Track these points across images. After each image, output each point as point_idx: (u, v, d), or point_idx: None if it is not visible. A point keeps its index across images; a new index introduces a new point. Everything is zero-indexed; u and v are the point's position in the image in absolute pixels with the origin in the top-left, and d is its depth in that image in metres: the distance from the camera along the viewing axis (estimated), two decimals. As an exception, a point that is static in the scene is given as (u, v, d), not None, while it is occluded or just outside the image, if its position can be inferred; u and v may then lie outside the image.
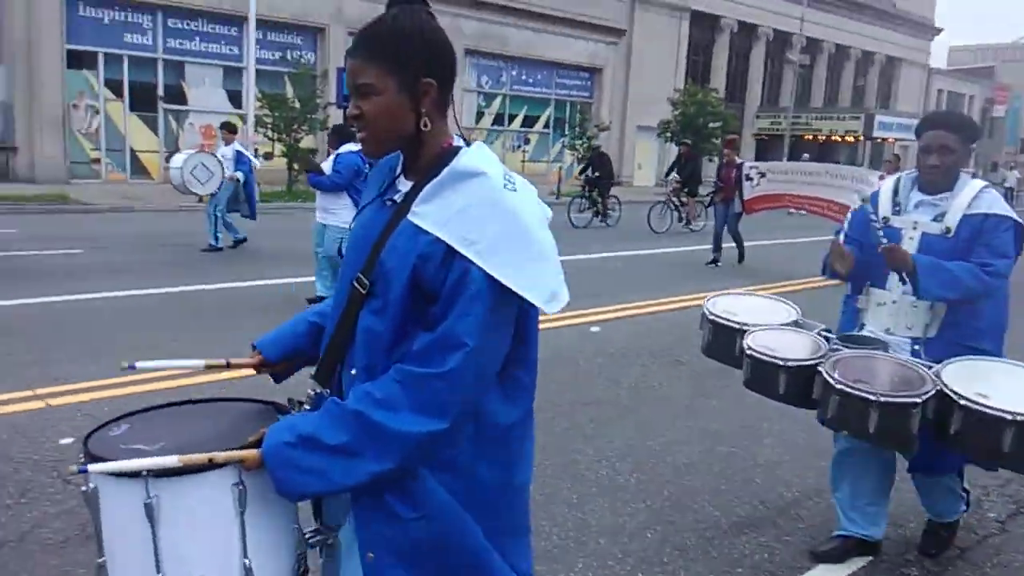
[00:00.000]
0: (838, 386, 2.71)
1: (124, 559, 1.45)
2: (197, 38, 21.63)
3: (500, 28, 27.40)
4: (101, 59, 20.34)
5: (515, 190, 1.50)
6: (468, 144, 1.57)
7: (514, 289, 1.42)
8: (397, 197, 1.56)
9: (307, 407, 1.61)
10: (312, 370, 1.65)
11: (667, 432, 4.77)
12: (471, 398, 1.46)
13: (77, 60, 19.95)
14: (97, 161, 20.66)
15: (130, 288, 8.13)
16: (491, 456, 1.54)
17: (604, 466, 4.23)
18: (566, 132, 28.31)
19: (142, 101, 21.14)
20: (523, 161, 29.79)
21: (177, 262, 9.96)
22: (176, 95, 21.64)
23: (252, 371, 1.82)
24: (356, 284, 1.52)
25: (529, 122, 30.17)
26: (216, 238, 10.89)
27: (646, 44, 32.15)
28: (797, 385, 2.93)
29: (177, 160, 11.07)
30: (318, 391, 1.61)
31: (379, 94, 1.48)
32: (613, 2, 30.89)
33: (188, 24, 21.44)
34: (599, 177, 17.55)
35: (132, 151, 21.26)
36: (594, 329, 7.23)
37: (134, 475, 1.38)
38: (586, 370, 5.98)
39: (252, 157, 11.79)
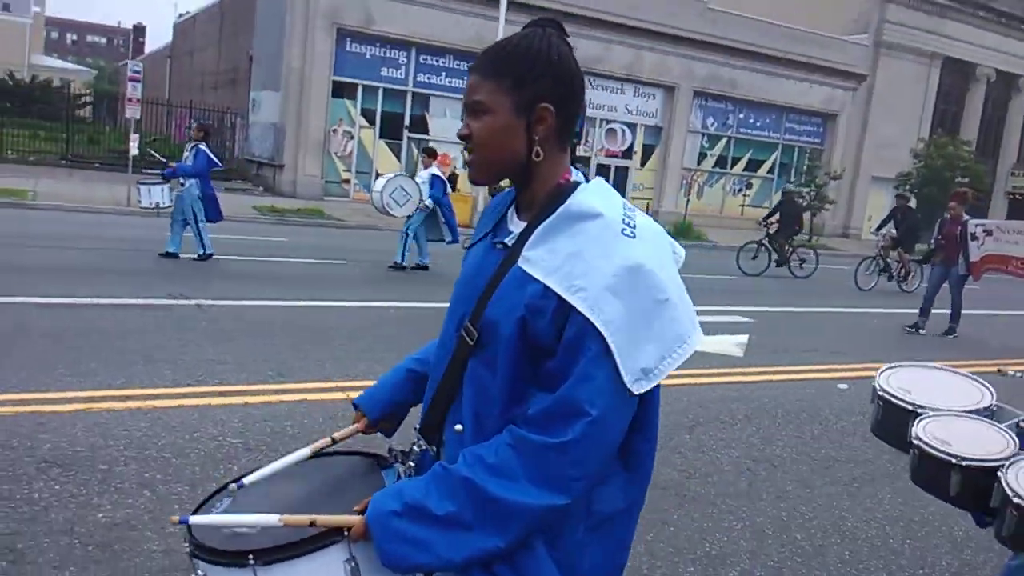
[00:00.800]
0: (1016, 500, 2.09)
1: None
2: (443, 73, 23.27)
3: (730, 71, 27.04)
4: (360, 90, 22.47)
5: (634, 236, 1.33)
6: (587, 180, 1.43)
7: (612, 350, 1.27)
8: (508, 240, 1.43)
9: (411, 464, 1.52)
10: (416, 415, 1.56)
11: (937, 502, 4.45)
12: (593, 471, 1.31)
13: (340, 90, 22.19)
14: (347, 181, 22.76)
15: (369, 300, 8.87)
16: (604, 537, 1.40)
17: (873, 527, 4.03)
18: (792, 178, 27.25)
19: (390, 129, 23.07)
20: (742, 205, 29.04)
21: (394, 278, 10.70)
22: (419, 124, 23.38)
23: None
24: (464, 333, 1.40)
25: (753, 166, 29.41)
26: (403, 256, 11.45)
27: (889, 90, 30.31)
28: (973, 488, 2.32)
29: (379, 184, 11.63)
30: (423, 447, 1.50)
31: (490, 113, 1.37)
32: (855, 47, 29.48)
33: (436, 60, 23.15)
34: (782, 223, 16.51)
35: (377, 174, 23.20)
36: (842, 386, 6.89)
37: (241, 564, 1.32)
38: (839, 427, 5.71)
39: (447, 184, 12.02)
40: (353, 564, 1.35)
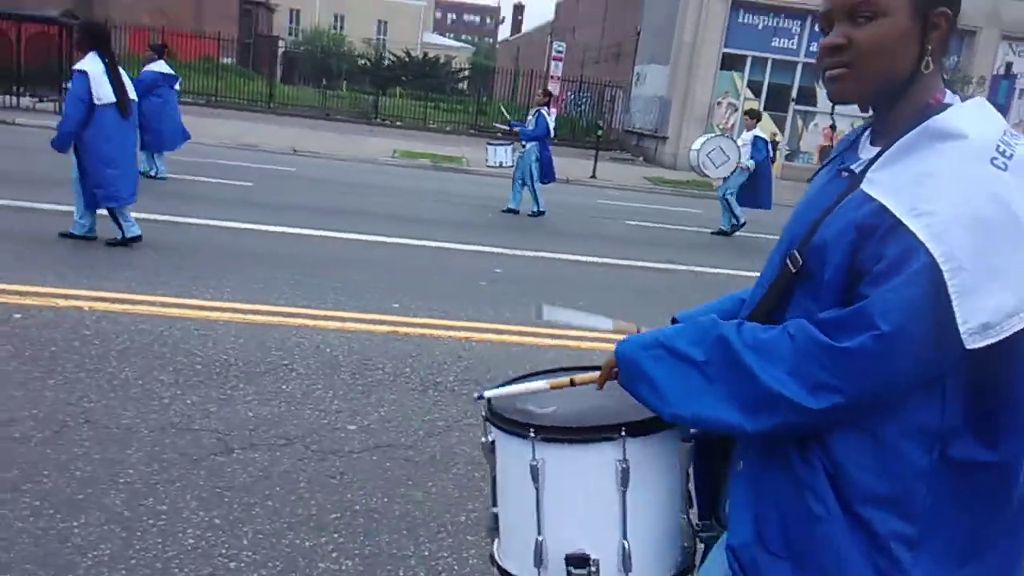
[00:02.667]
0: None
1: (513, 513, 1.47)
2: (839, 42, 21.91)
3: None
4: (748, 62, 22.05)
5: (1005, 168, 1.12)
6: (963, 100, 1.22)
7: (949, 290, 1.08)
8: (855, 166, 1.27)
9: None
10: None
11: None
12: (855, 392, 1.14)
13: (728, 62, 21.97)
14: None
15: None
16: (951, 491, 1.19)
17: None
18: None
19: (776, 101, 22.37)
20: None
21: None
22: (808, 97, 22.34)
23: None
24: (788, 260, 1.27)
25: None
26: (728, 223, 11.33)
27: None
28: None
29: (697, 143, 11.47)
30: None
31: (882, 17, 1.18)
32: None
33: (832, 28, 21.83)
34: None
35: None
36: None
37: (523, 436, 1.39)
38: None
39: (770, 147, 11.63)
40: (625, 466, 1.36)
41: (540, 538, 1.40)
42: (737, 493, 1.32)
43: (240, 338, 4.68)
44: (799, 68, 22.14)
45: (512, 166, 11.63)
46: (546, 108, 11.34)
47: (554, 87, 17.17)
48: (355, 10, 63.20)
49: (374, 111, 27.86)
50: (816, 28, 21.81)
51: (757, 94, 22.27)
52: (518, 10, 72.07)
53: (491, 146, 12.24)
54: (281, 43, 50.69)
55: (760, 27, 21.80)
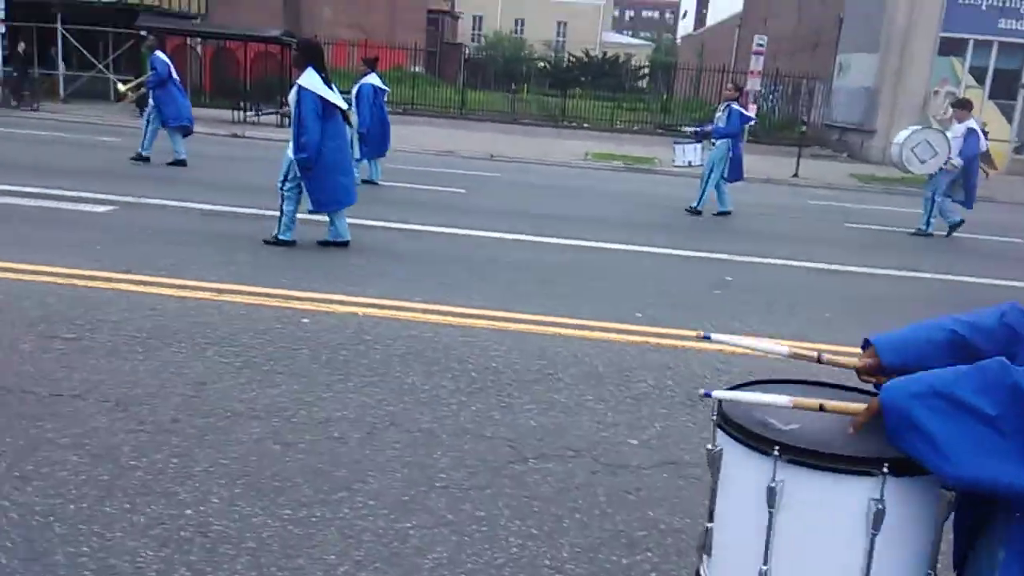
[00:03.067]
0: None
1: (734, 534, 1.36)
2: (1081, 19, 19.60)
3: None
4: (970, 46, 20.19)
5: None
6: None
7: None
8: None
9: None
10: None
11: None
12: None
13: (947, 47, 20.23)
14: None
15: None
16: None
17: None
18: None
19: (1003, 88, 20.35)
20: None
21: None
22: (1041, 82, 20.15)
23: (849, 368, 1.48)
24: None
25: None
26: (928, 223, 10.31)
27: None
28: None
29: (900, 136, 10.49)
30: None
31: None
32: None
33: (1073, 4, 19.56)
34: None
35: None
36: None
37: (764, 452, 1.27)
38: None
39: (982, 142, 10.39)
40: (880, 507, 1.21)
41: (765, 568, 1.29)
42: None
43: (501, 345, 4.83)
44: (1031, 50, 20.02)
45: (700, 165, 11.25)
46: (736, 102, 10.86)
47: (754, 82, 16.53)
48: (535, 12, 64.33)
49: (561, 114, 28.17)
50: (1053, 5, 19.65)
51: (980, 81, 20.37)
52: (702, 3, 70.54)
53: (678, 145, 11.92)
54: (465, 50, 52.56)
55: (983, 7, 19.91)
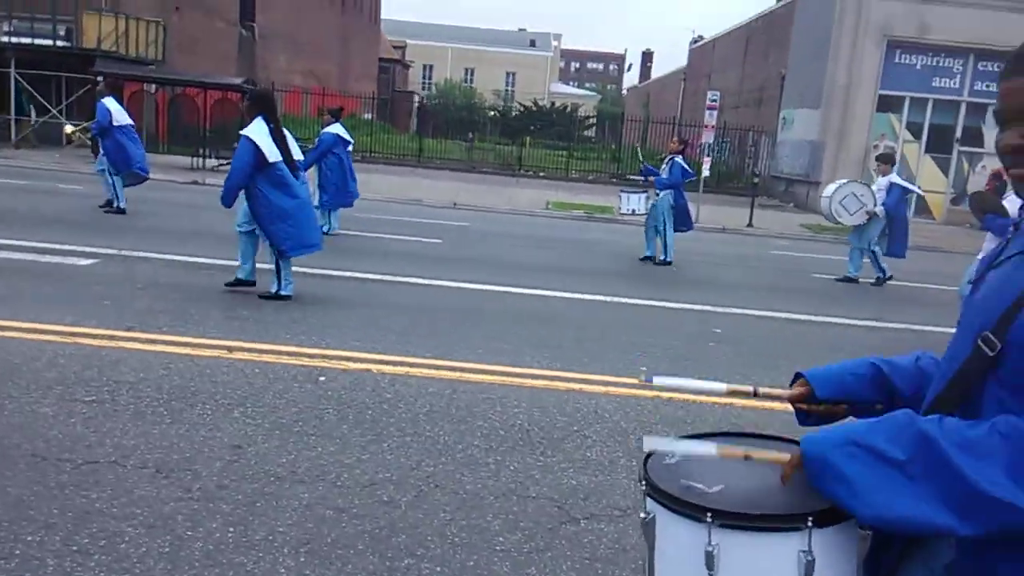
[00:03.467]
0: None
1: None
2: (1006, 80, 20.94)
3: None
4: (907, 103, 21.36)
5: None
6: None
7: None
8: None
9: None
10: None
11: None
12: None
13: (884, 104, 21.36)
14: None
15: None
16: None
17: None
18: None
19: (938, 143, 21.51)
20: None
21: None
22: (973, 138, 21.38)
23: (781, 403, 1.61)
24: (982, 343, 1.25)
25: None
26: (856, 269, 11.01)
27: None
28: None
29: (829, 189, 11.19)
30: None
31: None
32: None
33: (998, 67, 20.86)
34: None
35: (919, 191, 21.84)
36: None
37: (696, 519, 1.31)
38: None
39: (913, 189, 11.28)
40: (809, 559, 1.29)
41: None
42: None
43: (520, 401, 4.89)
44: (963, 108, 21.27)
45: (645, 214, 11.61)
46: (680, 156, 11.25)
47: (708, 136, 17.12)
48: (484, 62, 65.47)
49: (518, 162, 28.61)
50: (979, 66, 20.94)
51: (917, 136, 21.52)
52: (647, 57, 72.70)
53: (624, 193, 12.31)
54: (416, 97, 53.08)
55: (919, 67, 21.14)
